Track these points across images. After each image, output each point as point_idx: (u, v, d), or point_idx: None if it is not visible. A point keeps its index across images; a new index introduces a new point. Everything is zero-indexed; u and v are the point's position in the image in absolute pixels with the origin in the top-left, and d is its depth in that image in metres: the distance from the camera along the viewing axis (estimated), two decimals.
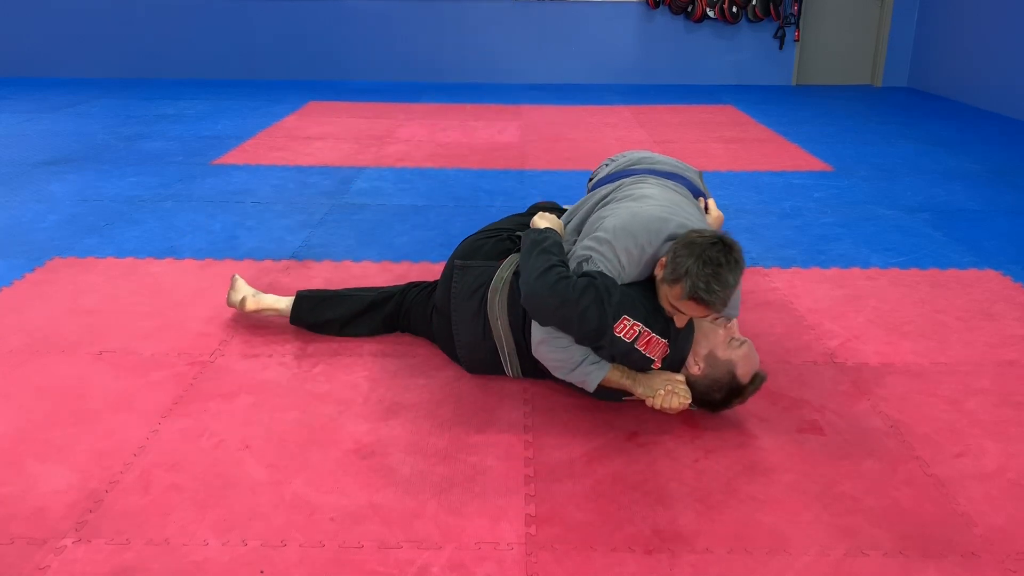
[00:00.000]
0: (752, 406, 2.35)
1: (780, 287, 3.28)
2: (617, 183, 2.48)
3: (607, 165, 2.73)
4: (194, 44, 8.59)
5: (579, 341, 2.14)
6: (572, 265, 2.22)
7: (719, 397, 2.23)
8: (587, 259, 2.19)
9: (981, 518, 1.93)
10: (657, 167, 2.58)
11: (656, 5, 8.44)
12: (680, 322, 2.14)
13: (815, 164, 5.32)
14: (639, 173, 2.53)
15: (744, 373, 2.19)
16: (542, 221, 2.40)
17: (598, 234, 2.23)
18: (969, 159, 5.48)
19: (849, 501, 1.99)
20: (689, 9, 8.41)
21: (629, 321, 2.08)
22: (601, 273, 2.15)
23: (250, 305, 2.78)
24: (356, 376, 2.56)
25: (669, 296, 2.10)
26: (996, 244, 3.80)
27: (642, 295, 2.17)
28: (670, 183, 2.50)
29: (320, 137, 5.93)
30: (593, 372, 2.17)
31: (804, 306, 3.09)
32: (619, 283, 2.16)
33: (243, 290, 2.81)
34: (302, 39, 8.56)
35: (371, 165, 5.16)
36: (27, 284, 3.20)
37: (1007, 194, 4.66)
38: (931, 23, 8.21)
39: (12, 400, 2.38)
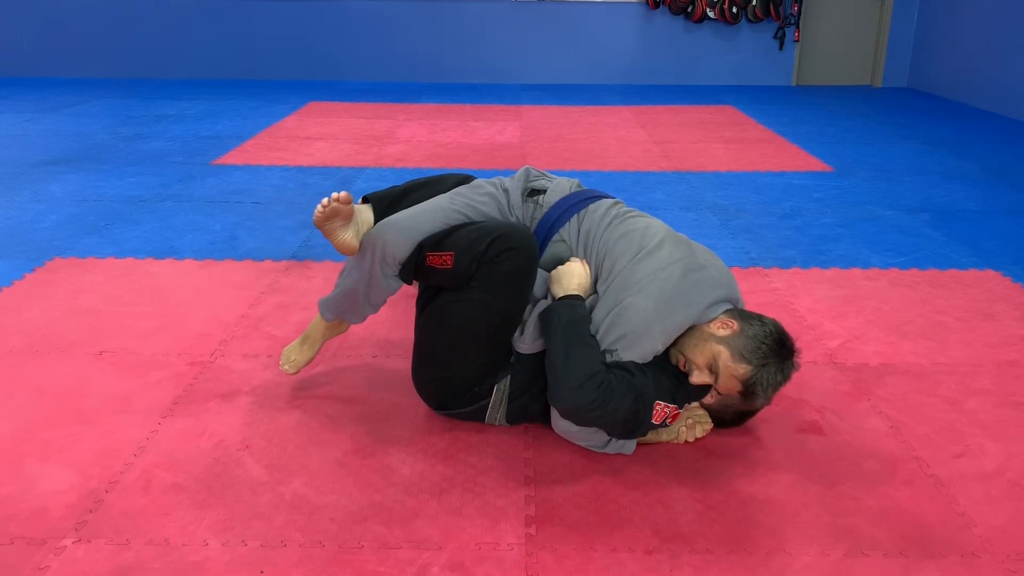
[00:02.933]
0: None
1: (780, 287, 3.28)
2: (608, 216, 2.26)
3: (540, 179, 2.41)
4: (194, 44, 8.59)
5: (615, 434, 2.07)
6: (603, 345, 2.04)
7: (732, 417, 2.22)
8: (615, 351, 2.05)
9: (981, 518, 1.93)
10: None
11: (656, 5, 8.44)
12: (696, 380, 2.04)
13: (815, 164, 5.32)
14: (600, 198, 2.36)
15: None
16: (558, 287, 2.13)
17: (629, 323, 2.03)
18: (969, 159, 5.48)
19: (849, 501, 1.99)
20: (689, 9, 8.40)
21: (661, 405, 2.03)
22: (636, 365, 2.03)
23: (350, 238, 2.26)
24: (356, 376, 2.56)
25: (720, 359, 2.00)
26: (996, 244, 3.80)
27: (665, 372, 2.08)
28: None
29: (320, 137, 5.93)
30: (627, 443, 2.14)
31: (804, 306, 3.09)
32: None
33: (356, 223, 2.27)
34: (302, 39, 8.56)
35: (371, 165, 5.16)
36: (27, 284, 3.20)
37: (1007, 194, 4.66)
38: (931, 23, 8.21)
39: (12, 400, 2.38)
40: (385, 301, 2.36)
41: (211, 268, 3.40)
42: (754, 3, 8.33)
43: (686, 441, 2.20)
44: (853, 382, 2.55)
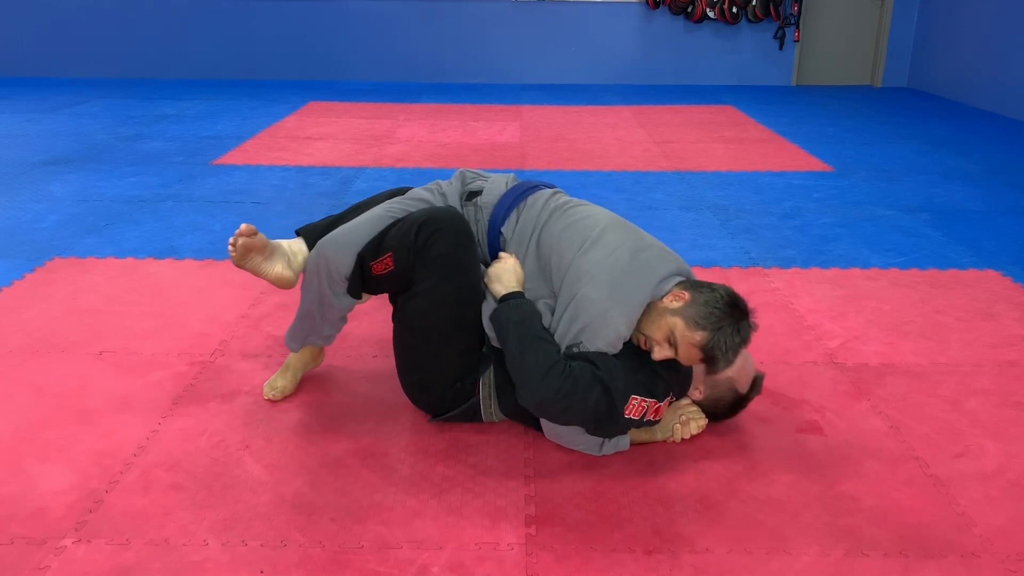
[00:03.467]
0: (752, 406, 2.34)
1: (780, 287, 3.28)
2: (547, 209, 2.27)
3: (475, 180, 2.40)
4: (194, 44, 8.59)
5: (592, 429, 2.06)
6: (563, 346, 2.05)
7: (723, 410, 2.23)
8: (579, 344, 2.05)
9: (981, 518, 1.93)
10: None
11: (656, 5, 8.44)
12: (658, 355, 2.06)
13: (815, 164, 5.32)
14: (537, 189, 2.36)
15: (744, 383, 2.19)
16: (498, 285, 2.13)
17: (587, 314, 2.03)
18: (969, 159, 5.48)
19: (849, 501, 1.99)
20: (689, 9, 8.41)
21: (637, 399, 2.03)
22: (600, 355, 2.03)
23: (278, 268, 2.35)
24: (356, 376, 2.56)
25: (676, 330, 2.01)
26: (996, 244, 3.80)
27: (638, 365, 2.08)
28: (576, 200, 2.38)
29: (320, 137, 5.93)
30: (621, 441, 2.15)
31: (804, 306, 3.09)
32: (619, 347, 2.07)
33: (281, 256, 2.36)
34: (302, 39, 8.56)
35: (371, 165, 5.16)
36: (27, 284, 3.20)
37: (1007, 194, 4.66)
38: (931, 23, 8.21)
39: (12, 400, 2.38)
40: (344, 319, 2.37)
41: (211, 268, 3.40)
42: (754, 3, 8.33)
43: (682, 439, 2.20)
44: (853, 382, 2.55)
